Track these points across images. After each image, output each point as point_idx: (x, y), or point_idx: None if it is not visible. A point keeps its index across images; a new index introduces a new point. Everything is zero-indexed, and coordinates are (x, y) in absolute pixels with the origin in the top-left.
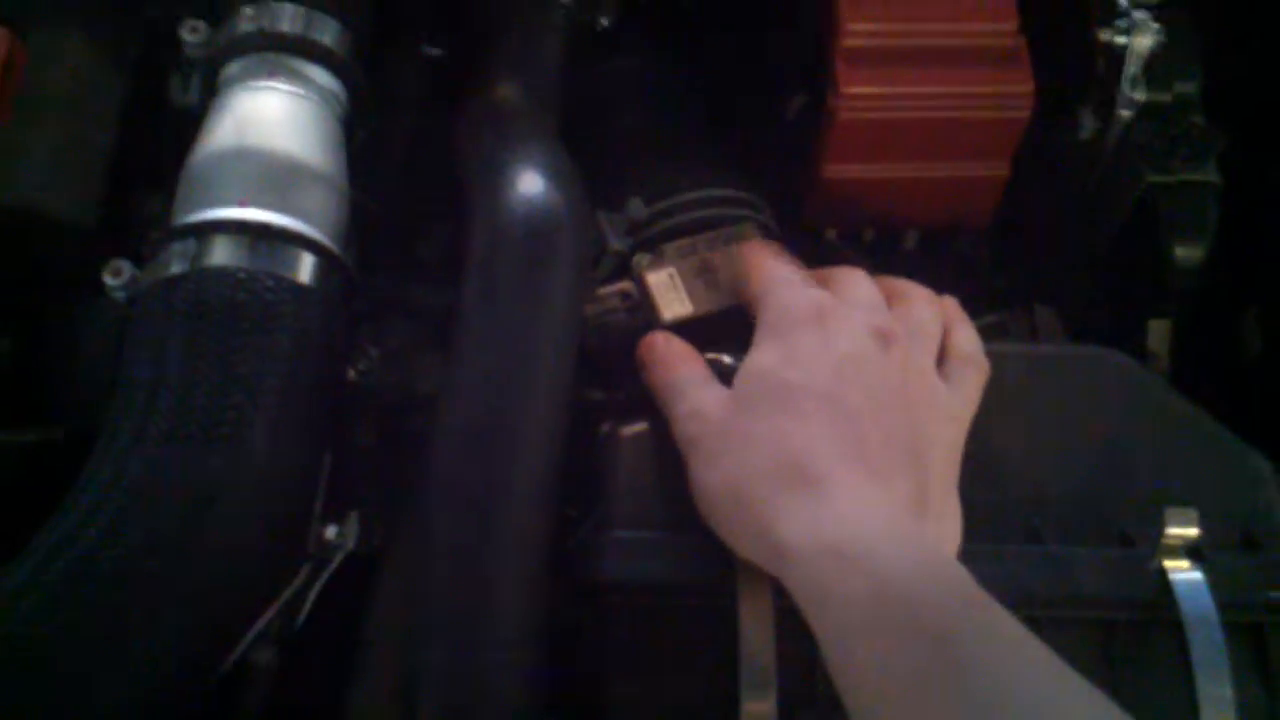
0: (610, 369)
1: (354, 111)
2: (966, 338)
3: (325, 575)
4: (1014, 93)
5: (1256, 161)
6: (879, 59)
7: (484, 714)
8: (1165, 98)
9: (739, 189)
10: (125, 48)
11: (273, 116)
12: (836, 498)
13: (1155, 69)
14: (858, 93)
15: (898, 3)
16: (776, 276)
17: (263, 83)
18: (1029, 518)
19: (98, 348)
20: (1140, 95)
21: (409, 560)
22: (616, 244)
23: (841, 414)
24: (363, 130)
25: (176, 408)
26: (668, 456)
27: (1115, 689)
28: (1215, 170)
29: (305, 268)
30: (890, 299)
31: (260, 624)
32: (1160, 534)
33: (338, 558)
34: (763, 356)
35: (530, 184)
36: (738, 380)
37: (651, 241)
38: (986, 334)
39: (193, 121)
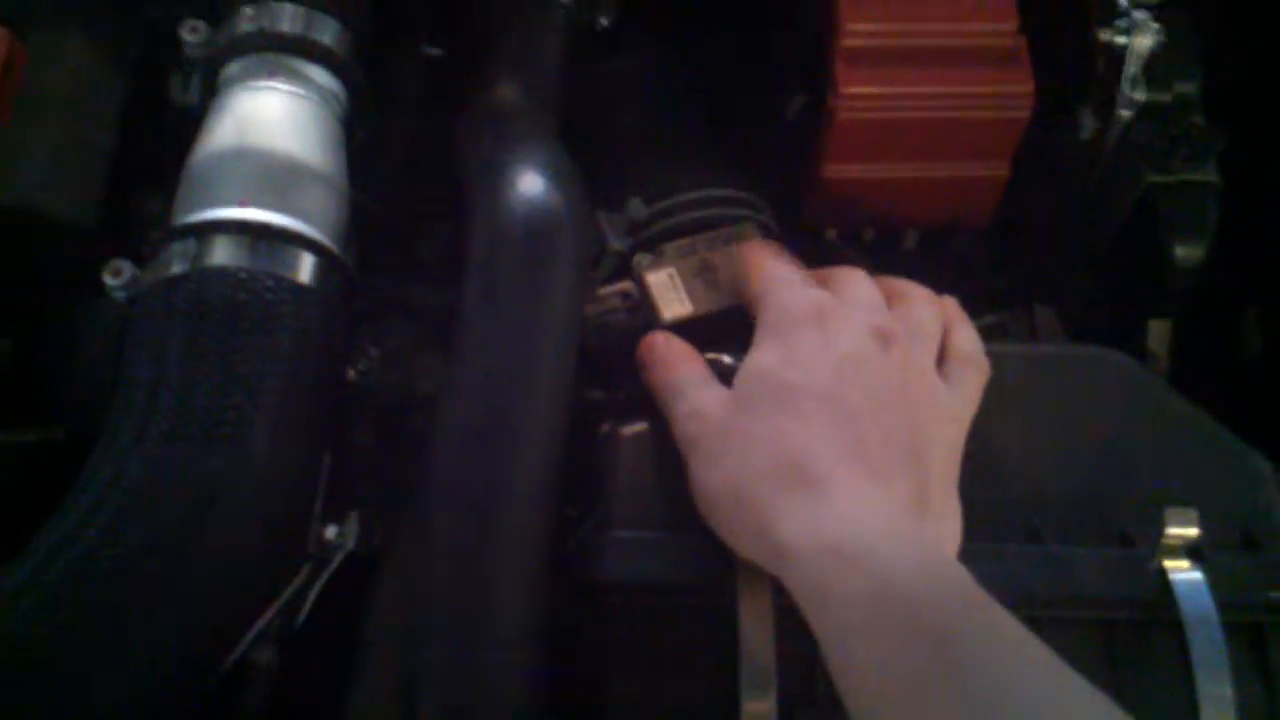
0: (610, 369)
1: (354, 111)
2: (966, 338)
3: (325, 575)
4: (1014, 93)
5: (1256, 161)
6: (879, 59)
7: (484, 714)
8: (1165, 98)
9: (739, 189)
10: (125, 48)
11: (273, 116)
12: (836, 497)
13: (1155, 69)
14: (857, 93)
15: (897, 3)
16: (776, 276)
17: (263, 83)
18: (1029, 518)
19: (98, 348)
20: (1140, 95)
21: (409, 560)
22: (616, 244)
23: (841, 414)
24: (363, 130)
25: (177, 408)
26: (668, 456)
27: (1115, 689)
28: (1215, 170)
29: (305, 268)
30: (890, 299)
31: (260, 624)
32: (1160, 534)
33: (338, 558)
34: (763, 356)
35: (530, 184)
36: (738, 380)
37: (651, 241)
38: (986, 334)
39: (193, 121)
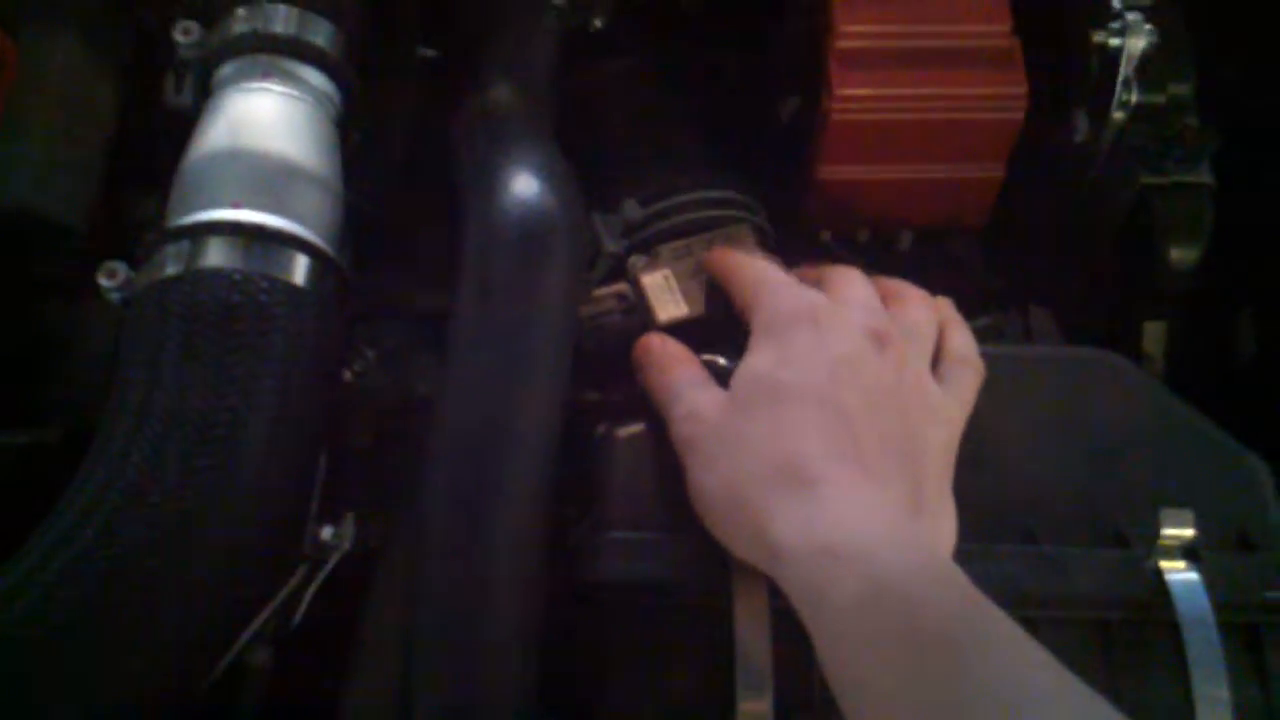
0: (606, 370)
1: (348, 113)
2: (961, 339)
3: (321, 576)
4: (1007, 94)
5: (1250, 163)
6: (873, 61)
7: (479, 714)
8: (1159, 99)
9: (734, 191)
10: (118, 49)
11: (266, 118)
12: (831, 499)
13: (1149, 70)
14: (852, 94)
15: (891, 5)
16: (769, 279)
17: (256, 84)
18: (1024, 518)
19: (93, 349)
20: (1134, 97)
21: (405, 561)
22: (612, 246)
23: (836, 415)
24: (357, 132)
25: (171, 409)
26: (664, 458)
27: (1111, 689)
28: (1209, 172)
29: (300, 269)
30: (885, 300)
31: (256, 624)
32: (1156, 534)
33: (334, 558)
34: (758, 358)
35: (524, 186)
36: (733, 382)
37: (647, 243)
38: (981, 335)
39: (186, 123)
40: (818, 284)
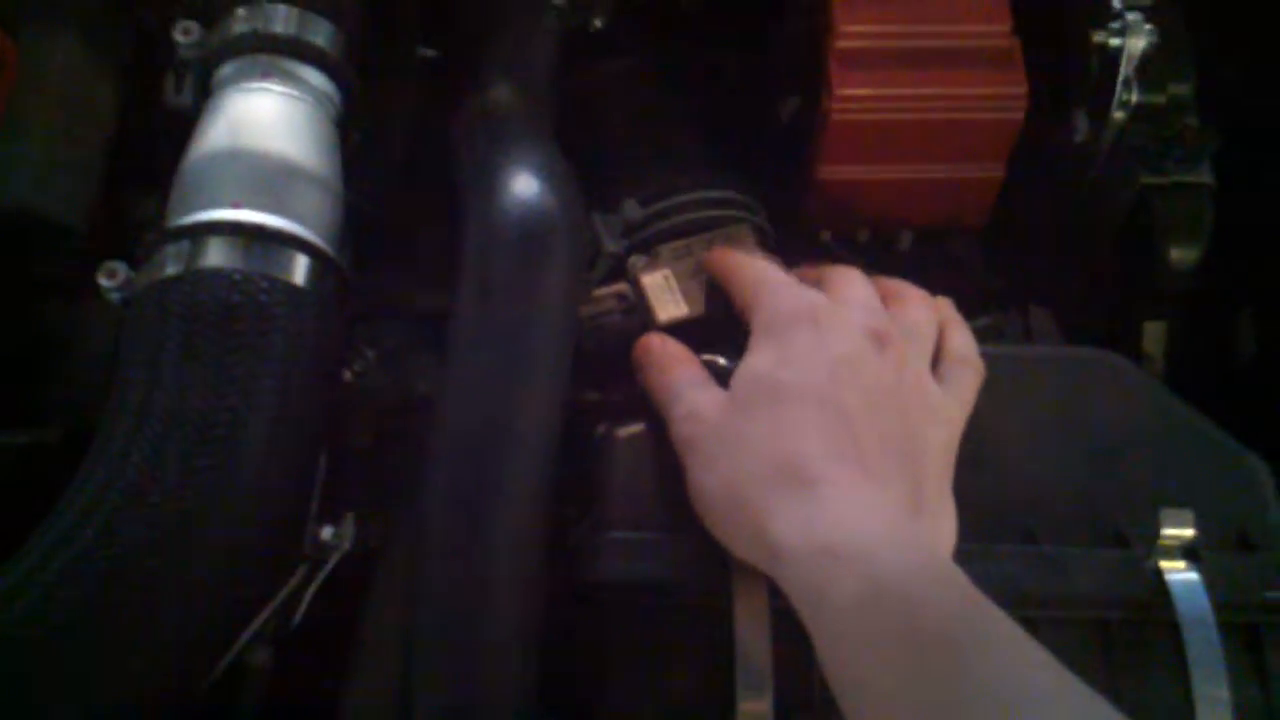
0: (606, 370)
1: (347, 113)
2: (961, 339)
3: (321, 576)
4: (1007, 94)
5: (1250, 163)
6: (873, 61)
7: (480, 714)
8: (1159, 99)
9: (734, 191)
10: (118, 49)
11: (266, 118)
12: (831, 499)
13: (1149, 70)
14: (851, 94)
15: (891, 4)
16: (768, 279)
17: (256, 84)
18: (1025, 518)
19: (93, 349)
20: (1134, 97)
21: (405, 561)
22: (612, 246)
23: (836, 415)
24: (357, 132)
25: (171, 409)
26: (664, 458)
27: (1111, 689)
28: (1209, 172)
29: (300, 269)
30: (885, 300)
31: (256, 624)
32: (1156, 534)
33: (334, 558)
34: (758, 358)
35: (524, 186)
36: (733, 382)
37: (647, 243)
38: (981, 335)
39: (186, 123)
40: (818, 284)
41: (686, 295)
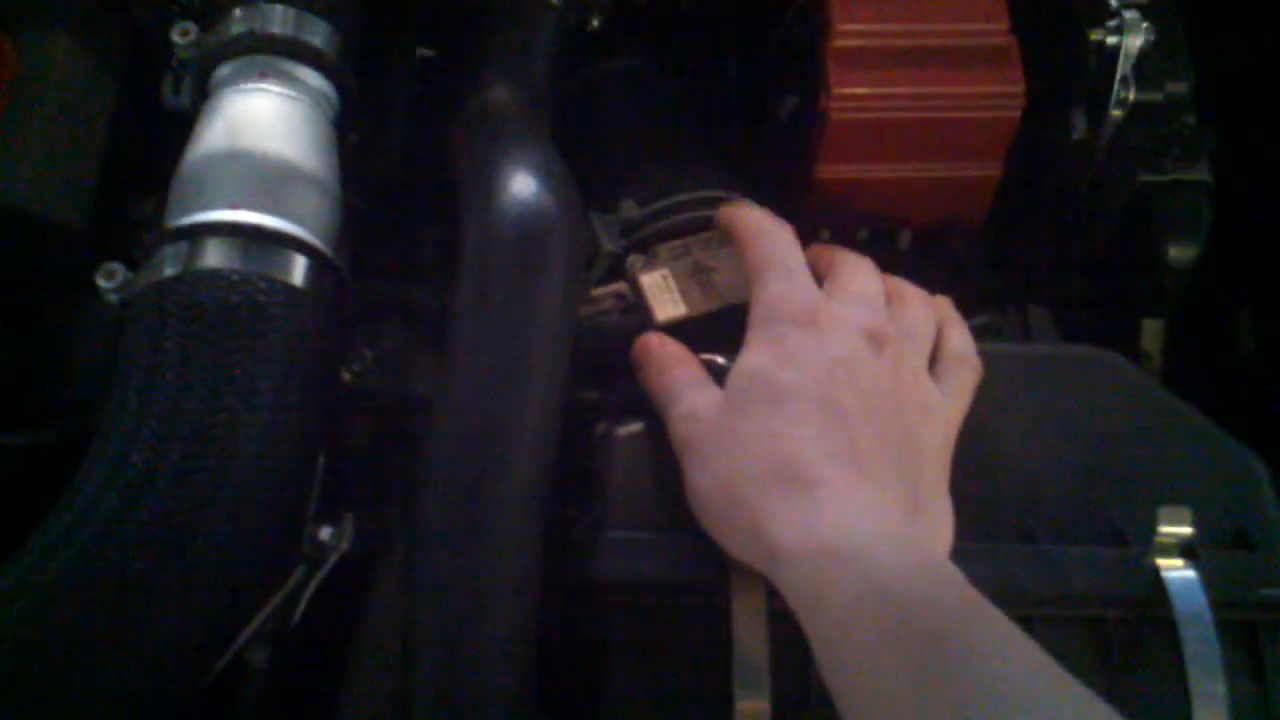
0: (605, 370)
1: (345, 113)
2: (960, 338)
3: (320, 576)
4: (1005, 93)
5: (1249, 160)
6: (870, 59)
7: (479, 714)
8: (1157, 97)
9: (732, 190)
10: (116, 50)
11: (264, 119)
12: (829, 499)
13: (1146, 68)
14: (849, 93)
15: (889, 3)
16: (775, 262)
17: (254, 85)
18: (1022, 517)
19: (91, 350)
20: (1132, 95)
21: (404, 562)
22: (610, 245)
23: (833, 415)
24: (355, 132)
25: (170, 410)
26: (663, 457)
27: (1109, 688)
28: (1207, 169)
29: (298, 270)
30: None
31: (255, 625)
32: (1153, 532)
33: (332, 559)
34: (754, 357)
35: (522, 186)
36: (730, 378)
37: (645, 243)
38: (979, 334)
39: (184, 124)
40: (826, 268)
41: (685, 295)
